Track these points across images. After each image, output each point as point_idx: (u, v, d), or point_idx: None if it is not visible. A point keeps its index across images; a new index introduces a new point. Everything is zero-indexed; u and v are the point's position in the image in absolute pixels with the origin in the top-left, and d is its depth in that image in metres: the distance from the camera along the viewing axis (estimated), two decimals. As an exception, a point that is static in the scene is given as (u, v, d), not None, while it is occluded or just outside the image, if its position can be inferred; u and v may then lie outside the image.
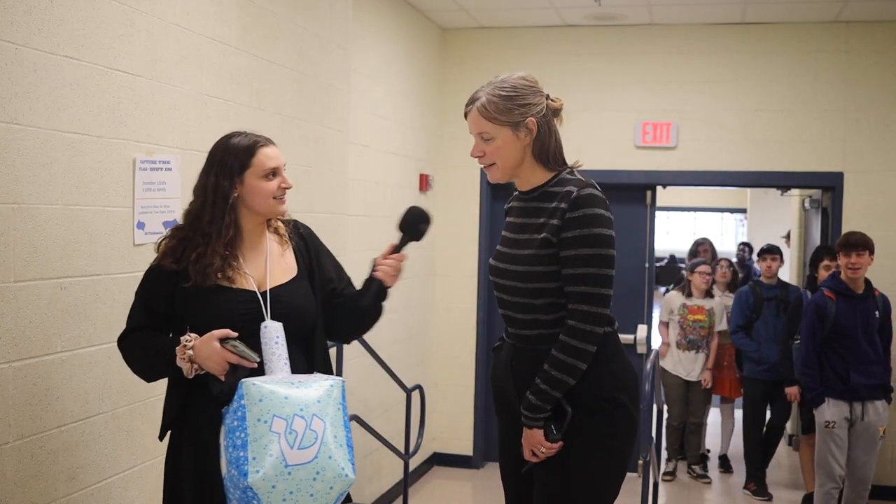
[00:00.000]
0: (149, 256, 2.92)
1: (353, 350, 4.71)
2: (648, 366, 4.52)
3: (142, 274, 2.89)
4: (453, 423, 6.58)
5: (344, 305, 2.49)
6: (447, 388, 6.62)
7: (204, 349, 2.19)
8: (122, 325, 2.81)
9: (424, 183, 6.15)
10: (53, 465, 2.53)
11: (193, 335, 2.22)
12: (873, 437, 4.73)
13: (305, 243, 2.50)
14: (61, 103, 2.53)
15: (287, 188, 2.37)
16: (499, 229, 2.72)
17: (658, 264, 15.31)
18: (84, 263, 2.64)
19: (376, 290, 2.42)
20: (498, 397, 2.65)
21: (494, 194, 6.53)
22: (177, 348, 2.22)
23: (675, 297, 6.43)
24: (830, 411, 4.73)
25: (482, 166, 2.53)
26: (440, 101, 6.48)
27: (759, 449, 6.13)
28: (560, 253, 2.38)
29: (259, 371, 2.23)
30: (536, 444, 2.43)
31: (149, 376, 2.40)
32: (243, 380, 2.14)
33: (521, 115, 2.42)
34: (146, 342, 2.32)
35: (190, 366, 2.21)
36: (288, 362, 2.27)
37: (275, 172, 2.34)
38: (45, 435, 2.50)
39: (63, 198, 2.55)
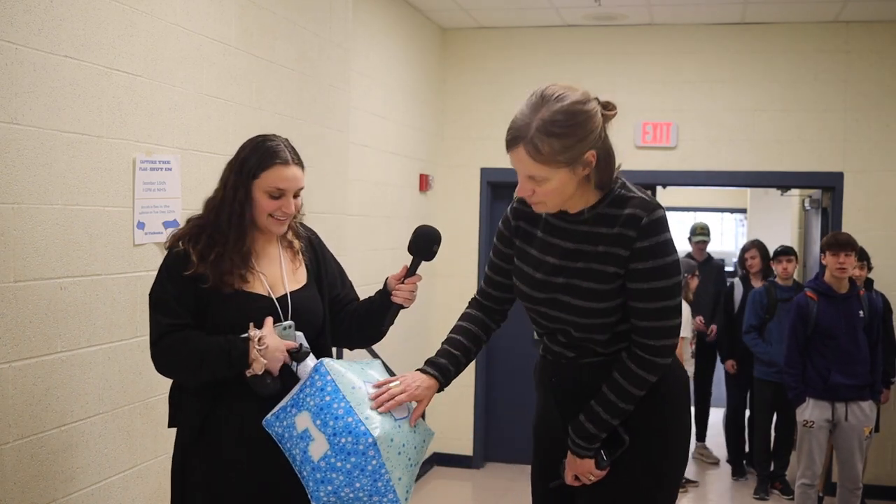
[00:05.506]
0: (149, 256, 2.93)
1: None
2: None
3: (142, 274, 2.90)
4: (453, 423, 6.58)
5: (353, 317, 2.51)
6: (447, 389, 6.60)
7: (273, 341, 2.18)
8: (122, 325, 2.82)
9: (424, 183, 6.14)
10: (53, 465, 2.53)
11: (258, 330, 2.19)
12: (859, 437, 4.72)
13: (314, 249, 2.50)
14: (61, 103, 2.53)
15: (288, 213, 2.30)
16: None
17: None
18: (84, 263, 2.64)
19: (394, 314, 2.49)
20: (540, 417, 2.44)
21: (494, 194, 6.50)
22: (250, 343, 2.17)
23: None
24: (811, 411, 4.74)
25: (531, 202, 2.19)
26: (440, 101, 6.47)
27: (768, 451, 6.10)
28: (628, 284, 2.13)
29: (290, 371, 2.25)
30: (586, 472, 2.24)
31: (196, 378, 2.23)
32: (323, 360, 2.19)
33: (580, 151, 2.04)
34: (196, 342, 2.20)
35: (261, 363, 2.16)
36: None
37: (280, 194, 2.27)
38: (45, 435, 2.49)
39: (63, 198, 2.54)
